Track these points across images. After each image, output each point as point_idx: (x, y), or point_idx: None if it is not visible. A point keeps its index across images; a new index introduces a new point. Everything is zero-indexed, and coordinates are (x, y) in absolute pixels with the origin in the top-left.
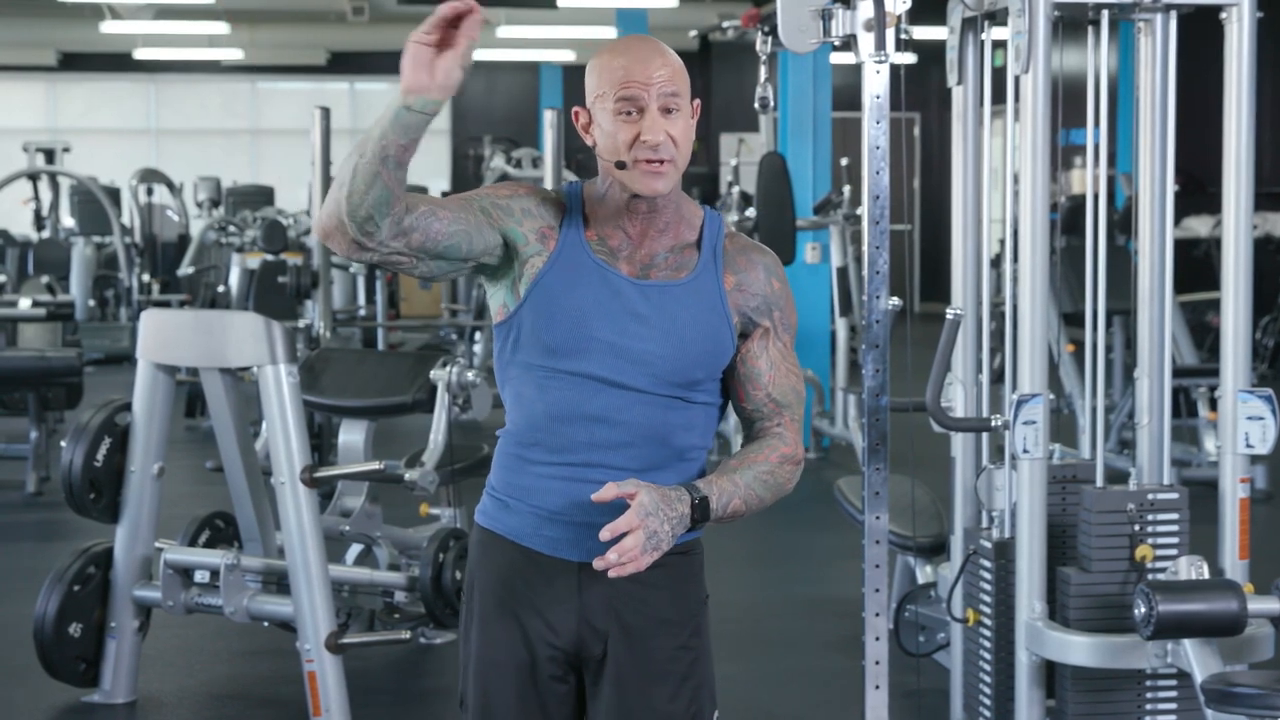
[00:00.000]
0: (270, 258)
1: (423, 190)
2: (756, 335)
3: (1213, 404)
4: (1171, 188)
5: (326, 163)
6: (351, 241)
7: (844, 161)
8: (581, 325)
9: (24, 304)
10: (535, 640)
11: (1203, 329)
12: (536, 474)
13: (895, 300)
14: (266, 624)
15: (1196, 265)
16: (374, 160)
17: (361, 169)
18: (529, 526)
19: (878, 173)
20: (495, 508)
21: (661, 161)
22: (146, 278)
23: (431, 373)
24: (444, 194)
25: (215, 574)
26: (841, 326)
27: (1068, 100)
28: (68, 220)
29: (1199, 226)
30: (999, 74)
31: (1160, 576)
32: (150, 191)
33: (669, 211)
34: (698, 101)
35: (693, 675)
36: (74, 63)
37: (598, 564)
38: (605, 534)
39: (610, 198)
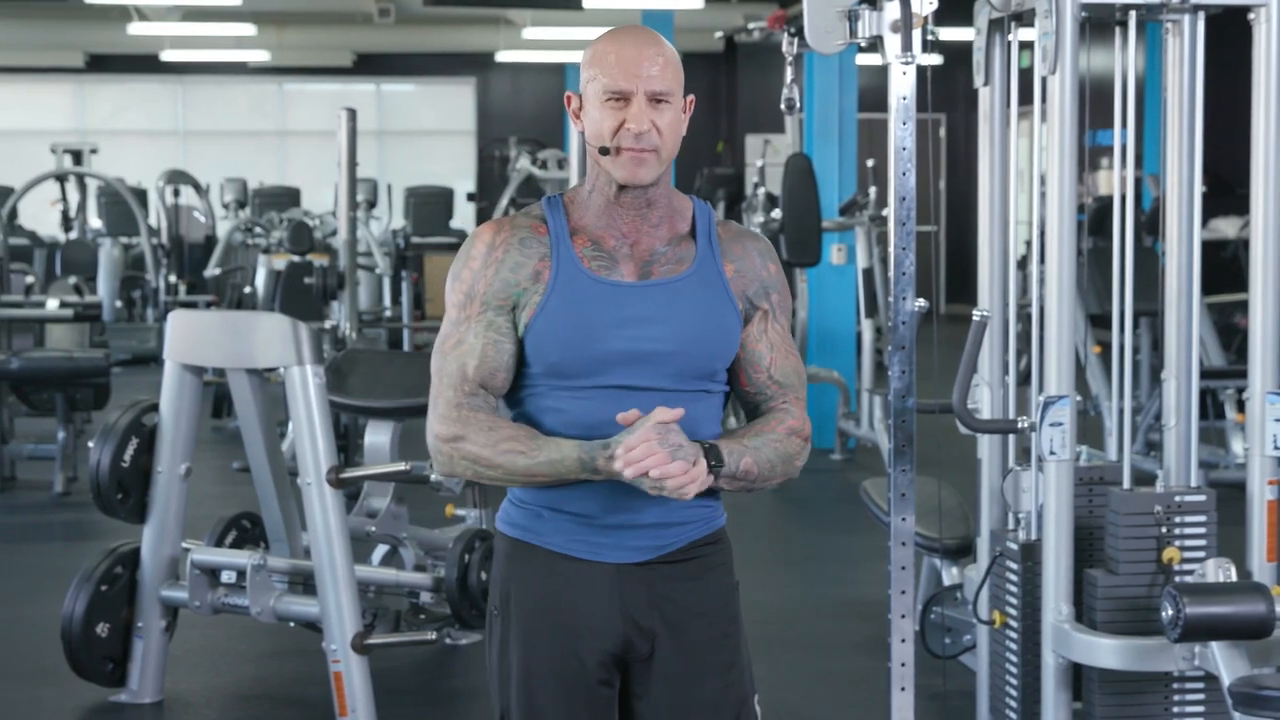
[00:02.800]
0: (296, 259)
1: (449, 192)
2: (756, 319)
3: (1240, 406)
4: (1199, 189)
5: (353, 164)
6: None
7: (870, 163)
8: (592, 343)
9: (52, 305)
10: (583, 648)
11: (1230, 330)
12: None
13: (921, 302)
14: (293, 624)
15: (1224, 266)
16: (531, 484)
17: (516, 476)
18: (565, 534)
19: (904, 174)
20: (525, 518)
21: (646, 150)
22: (173, 279)
23: None
24: (469, 195)
25: (242, 574)
26: (867, 328)
27: (1095, 101)
28: (95, 221)
29: (1227, 228)
30: (1026, 75)
31: (1188, 579)
32: (177, 193)
33: (662, 205)
34: (691, 98)
35: (736, 663)
36: (101, 64)
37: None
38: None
39: (599, 191)
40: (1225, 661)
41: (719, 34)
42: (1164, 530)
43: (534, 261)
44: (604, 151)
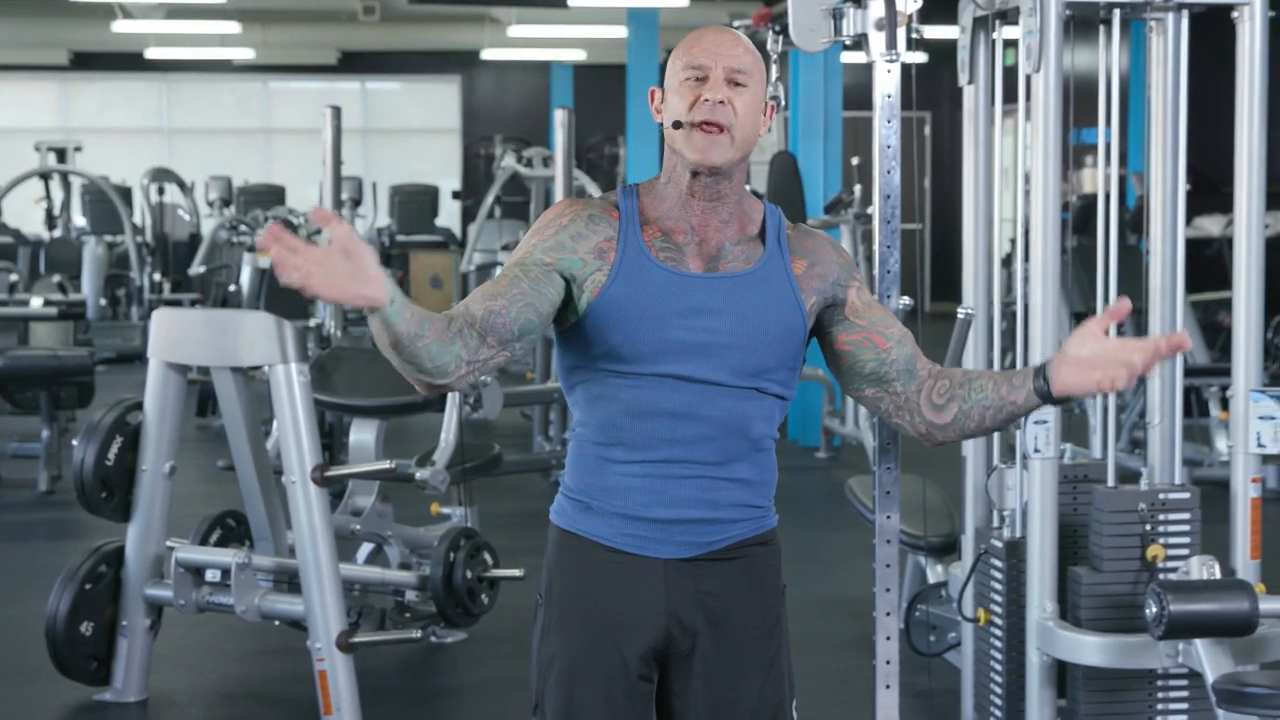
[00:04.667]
0: None
1: (434, 191)
2: (852, 295)
3: (1224, 403)
4: (1183, 187)
5: (338, 162)
6: (448, 385)
7: (855, 161)
8: (654, 329)
9: (36, 303)
10: (624, 642)
11: (1214, 328)
12: (619, 473)
13: (906, 300)
14: (278, 623)
15: (1208, 264)
16: (404, 348)
17: (407, 356)
18: (613, 526)
19: (889, 172)
20: (575, 509)
21: (719, 128)
22: (158, 277)
23: None
24: (454, 194)
25: (226, 573)
26: None
27: (1079, 99)
28: (79, 219)
29: (1211, 226)
30: (1010, 73)
31: (1172, 576)
32: (162, 191)
33: (732, 201)
34: (773, 102)
35: (777, 665)
36: (86, 62)
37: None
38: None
39: (673, 182)
40: (1209, 659)
41: None
42: (1148, 528)
43: (598, 239)
44: (677, 126)
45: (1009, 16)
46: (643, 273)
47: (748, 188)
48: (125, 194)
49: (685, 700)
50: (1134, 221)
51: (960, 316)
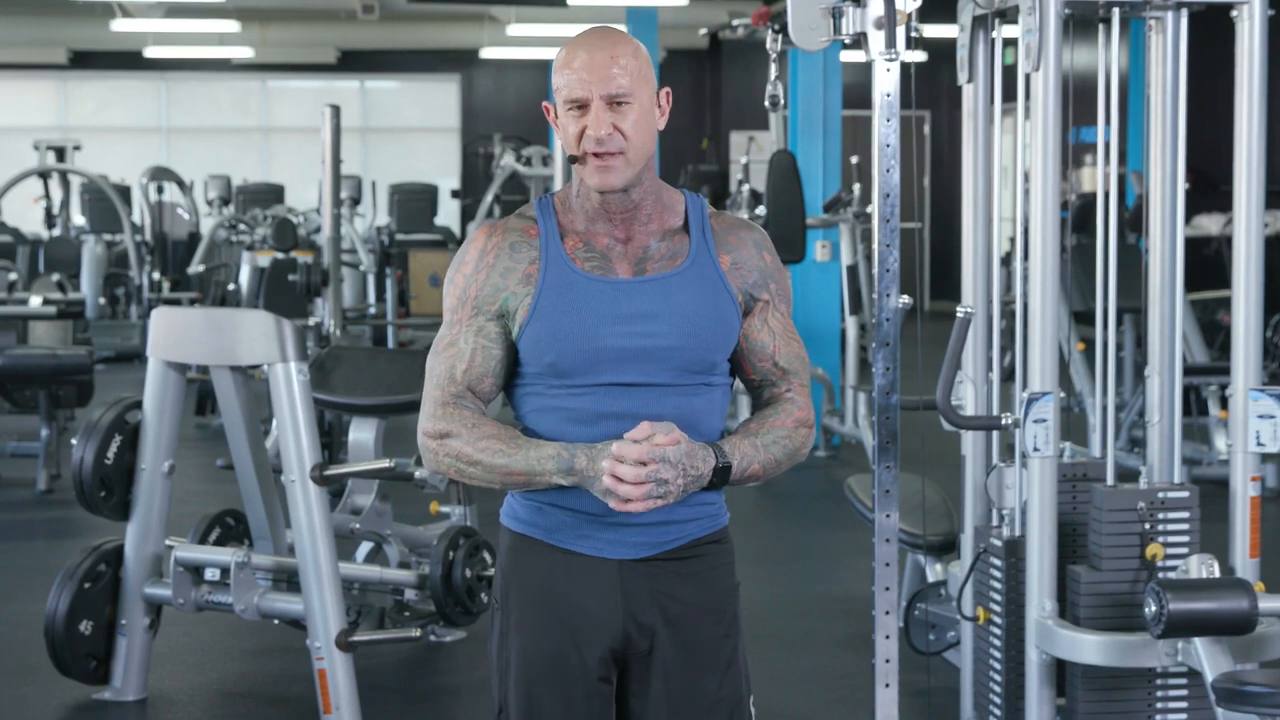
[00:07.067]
0: (280, 256)
1: (433, 189)
2: (757, 309)
3: (1223, 402)
4: (1182, 186)
5: (337, 160)
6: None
7: (854, 159)
8: (588, 341)
9: (35, 302)
10: (583, 643)
11: (1214, 327)
12: None
13: (905, 298)
14: (277, 622)
15: (1207, 263)
16: (508, 484)
17: (495, 474)
18: (566, 528)
19: (888, 171)
20: (527, 512)
21: (610, 154)
22: (157, 276)
23: None
24: (453, 193)
25: (226, 572)
26: (851, 325)
27: (1078, 98)
28: (78, 218)
29: (1210, 224)
30: (1009, 72)
31: (1171, 575)
32: (161, 189)
33: (649, 203)
34: (666, 91)
35: (734, 662)
36: (85, 61)
37: (606, 496)
38: (615, 450)
39: (584, 196)
40: (1208, 657)
41: (703, 31)
42: (1147, 526)
43: (524, 266)
44: (573, 160)
45: (1008, 15)
46: (569, 287)
47: (747, 187)
48: (124, 193)
49: (645, 700)
50: (1133, 220)
51: (959, 315)
